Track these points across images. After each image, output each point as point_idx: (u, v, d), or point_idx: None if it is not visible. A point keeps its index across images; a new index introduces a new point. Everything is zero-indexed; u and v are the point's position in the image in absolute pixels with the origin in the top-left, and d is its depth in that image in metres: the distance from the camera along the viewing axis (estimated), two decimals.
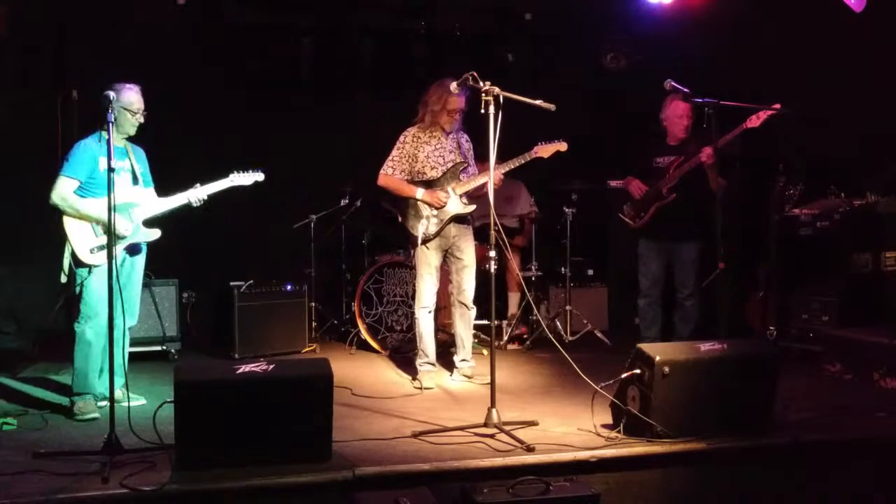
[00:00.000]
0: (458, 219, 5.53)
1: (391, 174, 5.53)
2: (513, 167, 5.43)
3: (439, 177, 5.50)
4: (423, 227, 5.45)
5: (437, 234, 5.47)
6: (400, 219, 5.60)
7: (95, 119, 4.74)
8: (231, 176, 4.99)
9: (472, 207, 5.55)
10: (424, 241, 5.46)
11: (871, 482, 4.10)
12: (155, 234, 4.90)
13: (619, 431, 4.12)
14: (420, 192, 5.46)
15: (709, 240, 5.43)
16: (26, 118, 6.59)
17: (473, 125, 5.42)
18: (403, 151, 5.53)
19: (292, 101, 7.57)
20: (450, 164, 5.51)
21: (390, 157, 5.55)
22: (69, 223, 4.67)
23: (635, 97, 7.26)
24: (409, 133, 5.55)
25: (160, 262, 5.61)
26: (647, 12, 7.17)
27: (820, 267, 6.22)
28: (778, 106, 5.21)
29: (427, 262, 5.50)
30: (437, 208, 5.45)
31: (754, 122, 5.31)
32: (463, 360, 5.65)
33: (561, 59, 7.95)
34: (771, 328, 6.14)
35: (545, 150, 5.40)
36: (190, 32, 7.10)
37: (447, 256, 5.60)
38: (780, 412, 4.37)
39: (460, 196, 5.50)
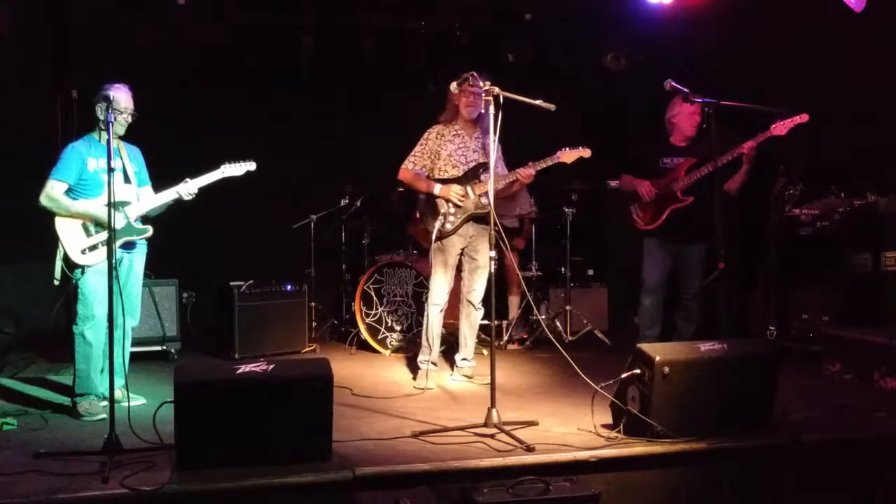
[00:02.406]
0: (476, 219, 5.48)
1: (411, 169, 5.51)
2: (539, 169, 5.37)
3: (460, 175, 5.46)
4: (440, 223, 5.42)
5: (453, 231, 5.43)
6: (418, 214, 5.58)
7: (93, 119, 4.76)
8: (222, 167, 4.97)
9: (490, 208, 5.49)
10: (439, 238, 5.43)
11: (871, 482, 4.10)
12: (147, 231, 4.89)
13: (619, 431, 4.12)
14: (438, 188, 5.42)
15: (710, 239, 5.43)
16: (26, 118, 6.58)
17: None
18: (426, 147, 5.51)
19: (292, 101, 7.58)
20: (472, 164, 5.47)
21: (412, 153, 5.53)
22: (60, 225, 4.67)
23: (635, 97, 7.27)
24: (434, 130, 5.54)
25: (160, 262, 5.61)
26: (647, 12, 7.16)
27: (820, 267, 6.22)
28: (806, 116, 5.16)
29: (441, 259, 5.47)
30: (454, 206, 5.42)
31: (780, 129, 5.23)
32: (464, 359, 5.64)
33: (561, 59, 7.95)
34: (771, 328, 6.14)
35: (568, 156, 5.34)
36: (190, 32, 7.10)
37: (463, 256, 5.57)
38: (780, 412, 4.37)
39: (479, 196, 5.45)
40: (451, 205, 5.43)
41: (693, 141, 5.81)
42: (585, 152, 5.36)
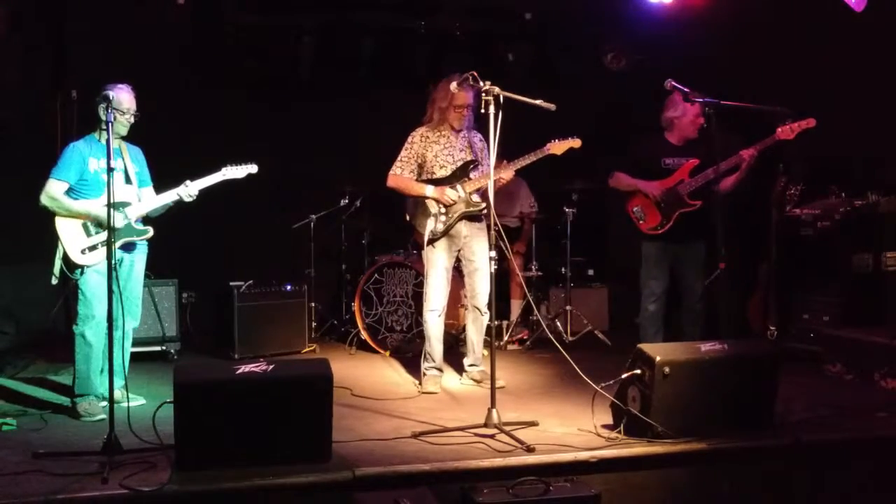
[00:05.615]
0: (470, 217, 5.42)
1: (400, 174, 5.47)
2: (525, 164, 5.31)
3: (448, 175, 5.42)
4: (431, 225, 5.38)
5: (445, 232, 5.38)
6: (408, 218, 5.55)
7: (95, 119, 4.76)
8: (223, 170, 4.97)
9: (482, 206, 5.41)
10: (431, 240, 5.39)
11: (871, 482, 4.09)
12: (147, 232, 4.89)
13: (619, 432, 4.12)
14: (430, 190, 5.38)
15: (710, 239, 5.41)
16: (26, 118, 6.58)
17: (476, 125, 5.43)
18: (412, 151, 5.47)
19: (292, 101, 7.57)
20: (459, 163, 5.43)
21: (399, 158, 5.48)
22: (60, 224, 4.67)
23: (635, 97, 7.27)
24: (418, 133, 5.49)
25: (160, 262, 5.60)
26: (647, 12, 7.16)
27: (821, 267, 6.22)
28: (813, 122, 5.11)
29: (435, 262, 5.41)
30: (445, 206, 5.38)
31: (788, 134, 5.16)
32: (472, 364, 5.57)
33: (561, 59, 7.95)
34: (771, 328, 6.12)
35: (558, 147, 5.26)
36: (190, 32, 7.10)
37: (459, 258, 5.52)
38: (780, 412, 4.36)
39: (470, 194, 5.42)
40: (441, 205, 5.38)
41: (691, 141, 5.68)
42: (575, 142, 5.28)
